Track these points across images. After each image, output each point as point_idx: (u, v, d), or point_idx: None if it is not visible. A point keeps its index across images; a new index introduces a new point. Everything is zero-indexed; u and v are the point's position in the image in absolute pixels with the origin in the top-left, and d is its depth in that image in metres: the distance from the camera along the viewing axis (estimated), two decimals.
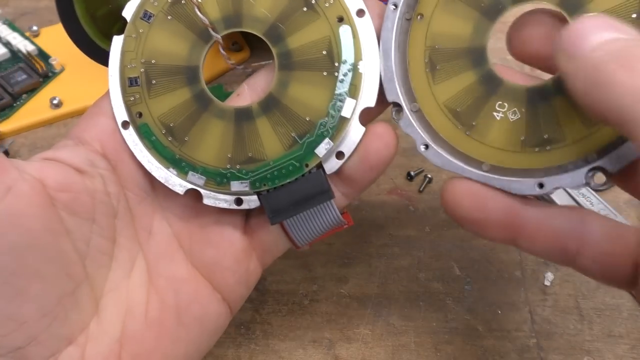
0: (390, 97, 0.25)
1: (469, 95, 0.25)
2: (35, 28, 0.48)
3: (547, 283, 0.34)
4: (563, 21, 0.24)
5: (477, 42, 0.25)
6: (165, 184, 0.26)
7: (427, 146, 0.25)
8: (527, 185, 0.23)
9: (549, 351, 0.32)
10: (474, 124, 0.25)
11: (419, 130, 0.25)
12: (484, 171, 0.24)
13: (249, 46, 0.47)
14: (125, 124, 0.26)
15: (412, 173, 0.39)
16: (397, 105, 0.26)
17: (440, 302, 0.34)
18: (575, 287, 0.34)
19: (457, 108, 0.25)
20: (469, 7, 0.25)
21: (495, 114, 0.24)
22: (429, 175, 0.39)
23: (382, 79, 0.26)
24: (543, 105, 0.24)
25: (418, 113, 0.25)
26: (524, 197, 0.24)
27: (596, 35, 0.19)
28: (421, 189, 0.39)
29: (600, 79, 0.18)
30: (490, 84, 0.25)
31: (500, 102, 0.24)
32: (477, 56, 0.25)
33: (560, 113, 0.23)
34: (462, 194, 0.24)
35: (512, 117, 0.24)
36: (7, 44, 0.46)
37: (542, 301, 0.33)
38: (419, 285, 0.34)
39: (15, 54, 0.46)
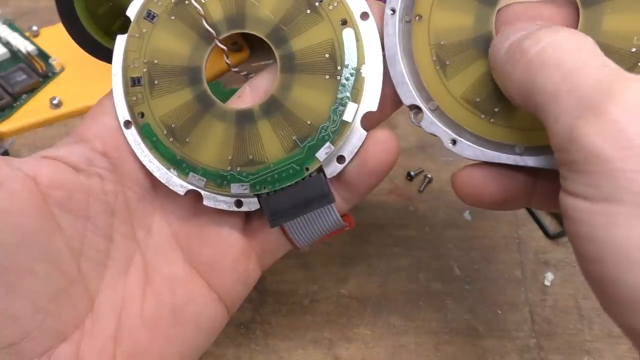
0: (406, 101, 0.25)
1: (486, 83, 0.25)
2: (35, 28, 0.48)
3: (547, 283, 0.34)
4: None
5: (482, 30, 0.25)
6: (166, 184, 0.26)
7: (454, 141, 0.25)
8: None
9: (549, 351, 0.32)
10: (496, 110, 0.25)
11: (443, 127, 0.25)
12: (517, 154, 0.24)
13: (249, 46, 0.47)
14: (127, 124, 0.26)
15: (412, 173, 0.39)
16: (415, 108, 0.25)
17: (440, 302, 0.34)
18: (575, 287, 0.34)
19: (476, 98, 0.25)
20: None
21: None
22: (429, 176, 0.39)
23: (395, 84, 0.25)
24: None
25: (437, 111, 0.25)
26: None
27: (503, 43, 0.22)
28: (421, 189, 0.39)
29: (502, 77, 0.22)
30: None
31: None
32: (486, 44, 0.25)
33: None
34: (486, 180, 0.25)
35: None
36: (7, 44, 0.46)
37: (542, 301, 0.33)
38: (419, 285, 0.34)
39: (15, 54, 0.45)
